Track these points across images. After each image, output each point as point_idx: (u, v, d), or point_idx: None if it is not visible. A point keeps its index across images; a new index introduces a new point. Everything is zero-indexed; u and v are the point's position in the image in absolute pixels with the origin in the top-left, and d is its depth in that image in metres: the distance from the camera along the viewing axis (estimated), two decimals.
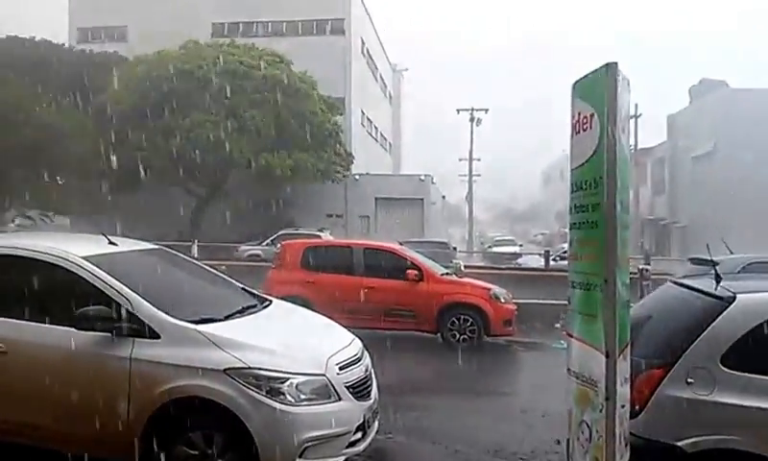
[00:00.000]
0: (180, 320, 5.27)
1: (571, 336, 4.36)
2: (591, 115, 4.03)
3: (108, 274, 5.41)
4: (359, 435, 5.48)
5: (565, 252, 26.60)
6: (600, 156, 3.97)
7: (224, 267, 10.79)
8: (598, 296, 3.99)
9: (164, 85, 32.08)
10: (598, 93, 3.98)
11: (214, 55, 34.67)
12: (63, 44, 43.51)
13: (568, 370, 4.35)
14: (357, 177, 41.50)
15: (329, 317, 6.67)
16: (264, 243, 31.14)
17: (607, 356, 3.91)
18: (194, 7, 42.44)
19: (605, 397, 3.91)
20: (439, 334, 12.69)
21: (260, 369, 5.05)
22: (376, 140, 57.68)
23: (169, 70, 33.04)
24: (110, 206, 31.70)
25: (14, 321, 5.43)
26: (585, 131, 4.10)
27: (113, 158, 31.68)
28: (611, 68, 3.92)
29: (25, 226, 43.03)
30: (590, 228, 4.12)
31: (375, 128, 56.81)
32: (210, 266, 7.40)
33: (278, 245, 16.37)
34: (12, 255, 5.70)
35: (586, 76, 4.15)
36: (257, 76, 33.95)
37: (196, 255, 22.73)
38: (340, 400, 5.34)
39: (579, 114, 4.17)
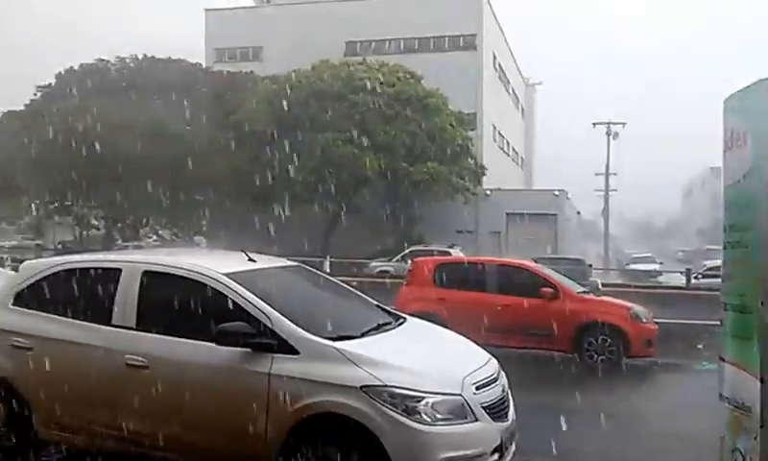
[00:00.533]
0: (318, 336, 5.29)
1: (724, 360, 4.12)
2: (744, 133, 3.82)
3: (248, 290, 5.52)
4: (496, 457, 5.31)
5: (709, 269, 25.10)
6: (753, 175, 3.74)
7: (354, 283, 10.87)
8: (753, 319, 3.75)
9: (298, 104, 33.18)
10: (752, 110, 3.77)
11: (346, 73, 35.47)
12: (200, 64, 45.95)
13: (720, 395, 4.10)
14: (488, 192, 41.10)
15: (462, 335, 6.56)
16: (394, 259, 31.39)
17: (762, 381, 3.67)
18: (327, 26, 43.64)
19: (759, 424, 3.67)
20: (575, 354, 12.25)
21: (396, 387, 5.00)
22: (508, 154, 57.02)
23: (302, 89, 34.14)
24: (245, 222, 32.96)
25: (156, 336, 5.62)
26: (737, 147, 3.90)
27: (247, 176, 33.07)
28: (764, 84, 3.68)
29: (162, 242, 45.70)
30: (744, 248, 3.89)
31: (507, 142, 56.20)
32: (343, 282, 7.45)
33: (410, 261, 16.42)
34: (156, 272, 5.91)
35: (739, 91, 3.93)
36: (389, 92, 34.45)
37: (328, 271, 23.20)
38: (476, 420, 5.21)
39: (731, 131, 3.97)
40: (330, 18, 44.12)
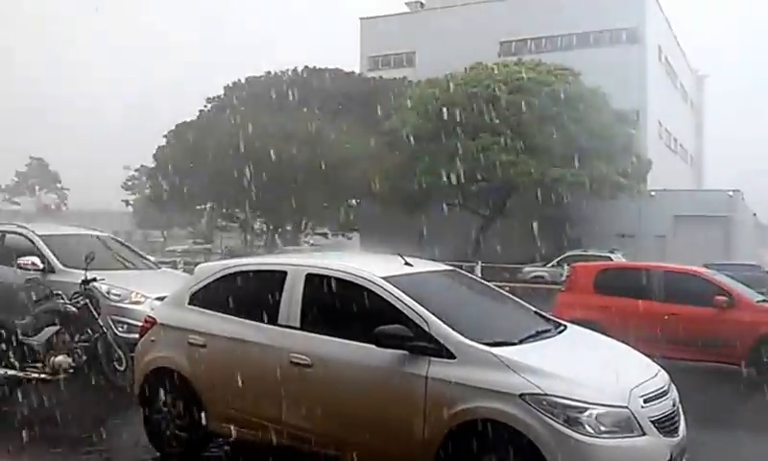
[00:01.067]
0: (475, 341, 5.24)
1: None
2: None
3: (405, 294, 5.57)
4: None
5: None
6: None
7: (507, 289, 10.71)
8: None
9: (451, 108, 33.14)
10: None
11: (501, 74, 35.04)
12: (354, 72, 47.16)
13: None
14: (653, 193, 39.03)
15: (626, 345, 6.26)
16: (549, 265, 30.63)
17: None
18: (481, 27, 43.43)
19: None
20: (752, 369, 11.34)
21: (558, 396, 4.85)
22: (675, 152, 54.09)
23: (456, 92, 34.08)
24: (397, 226, 33.40)
25: (318, 336, 5.78)
26: None
27: (400, 181, 33.50)
28: None
29: (318, 245, 47.36)
30: None
31: (674, 140, 53.32)
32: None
33: (567, 267, 15.94)
34: (318, 275, 6.08)
35: None
36: (545, 92, 33.65)
37: (479, 276, 23.05)
38: (644, 434, 4.96)
39: None
40: (484, 19, 43.90)
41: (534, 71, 35.25)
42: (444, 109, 33.08)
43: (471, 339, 5.26)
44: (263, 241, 48.19)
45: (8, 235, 11.69)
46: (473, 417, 5.00)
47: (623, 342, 6.35)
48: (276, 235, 46.30)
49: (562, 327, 6.24)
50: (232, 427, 6.24)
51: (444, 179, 32.16)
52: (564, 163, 32.73)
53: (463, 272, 7.12)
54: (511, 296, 6.87)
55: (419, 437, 5.19)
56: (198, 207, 50.30)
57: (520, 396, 4.87)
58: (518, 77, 34.57)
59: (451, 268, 7.12)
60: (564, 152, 32.56)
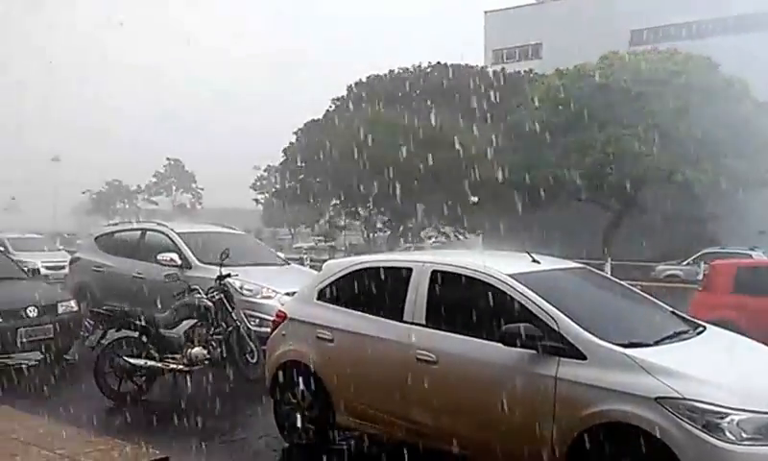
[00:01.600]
0: (608, 342, 5.07)
1: None
2: None
3: (533, 292, 5.46)
4: None
5: None
6: None
7: (638, 287, 10.26)
8: None
9: (580, 100, 32.16)
10: None
11: (634, 64, 33.64)
12: (478, 67, 46.67)
13: None
14: None
15: None
16: (684, 263, 29.19)
17: None
18: (610, 16, 41.86)
19: None
20: None
21: (696, 400, 4.61)
22: None
23: (585, 84, 33.04)
24: (521, 222, 32.76)
25: (444, 333, 5.77)
26: None
27: (525, 176, 32.83)
28: None
29: (440, 243, 47.28)
30: None
31: None
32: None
33: (704, 264, 15.09)
34: (444, 271, 6.06)
35: None
36: (680, 83, 32.02)
37: (609, 274, 22.26)
38: None
39: None
40: (614, 7, 42.23)
41: (668, 61, 33.59)
42: (573, 102, 32.13)
43: (604, 339, 5.09)
44: (385, 239, 48.75)
45: (148, 233, 12.42)
46: (606, 420, 4.85)
47: (766, 345, 5.97)
48: (398, 233, 46.69)
49: (700, 329, 5.96)
50: (358, 421, 6.34)
51: (571, 173, 31.27)
52: (699, 157, 31.03)
53: (594, 270, 6.88)
54: (646, 295, 6.60)
55: (546, 439, 5.08)
56: (322, 205, 51.52)
57: (656, 399, 4.68)
58: (650, 67, 33.06)
59: (581, 265, 6.96)
60: (699, 145, 30.84)
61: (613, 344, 5.06)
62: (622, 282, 7.02)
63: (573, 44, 39.04)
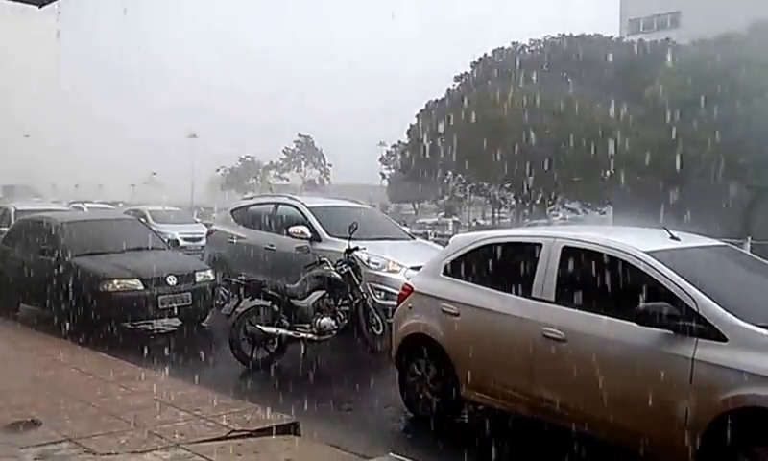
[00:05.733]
0: (750, 323, 4.80)
1: None
2: None
3: (671, 270, 5.23)
4: None
5: None
6: None
7: None
8: None
9: (722, 71, 30.19)
10: None
11: None
12: (613, 37, 44.78)
13: None
14: None
15: None
16: None
17: None
18: None
19: None
20: None
21: None
22: None
23: (728, 55, 30.97)
24: (654, 198, 31.31)
25: (574, 310, 5.63)
26: None
27: (660, 150, 31.29)
28: None
29: (567, 220, 46.00)
30: None
31: None
32: None
33: None
34: (575, 248, 5.91)
35: None
36: None
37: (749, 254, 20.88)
38: None
39: None
40: None
41: None
42: (714, 73, 30.18)
43: (746, 320, 4.83)
44: (509, 215, 48.07)
45: (280, 206, 12.83)
46: (746, 404, 4.62)
47: None
48: (524, 209, 45.88)
49: None
50: (482, 395, 6.33)
51: (709, 149, 29.52)
52: None
53: (737, 248, 6.51)
54: None
55: (680, 421, 4.89)
56: (446, 181, 51.41)
57: None
58: None
59: (724, 243, 6.64)
60: None
61: (756, 325, 4.79)
62: (765, 262, 6.58)
63: (715, 13, 36.73)
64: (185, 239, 23.87)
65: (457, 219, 56.43)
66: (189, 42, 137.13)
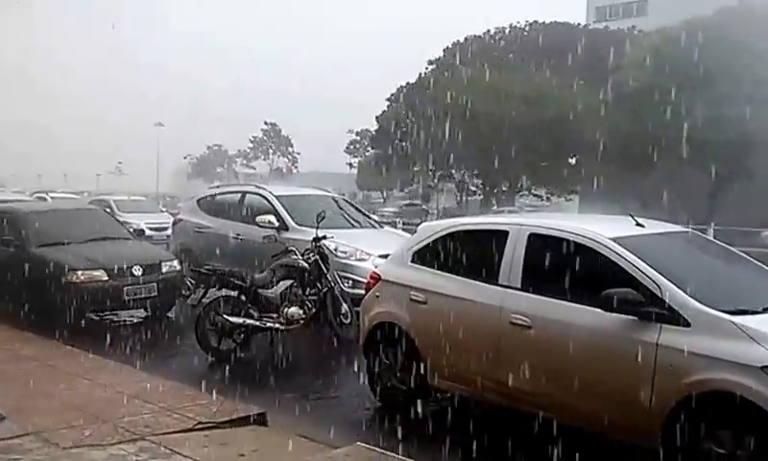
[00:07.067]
0: (713, 309, 4.87)
1: None
2: None
3: (636, 256, 5.28)
4: None
5: None
6: None
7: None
8: None
9: (687, 57, 30.41)
10: None
11: (752, 18, 31.40)
12: (580, 25, 45.13)
13: None
14: None
15: None
16: None
17: None
18: None
19: None
20: None
21: None
22: None
23: (693, 41, 31.24)
24: (618, 185, 31.65)
25: (540, 297, 5.67)
26: None
27: (624, 137, 31.59)
28: None
29: (534, 206, 46.41)
30: None
31: None
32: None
33: None
34: (541, 234, 5.96)
35: None
36: None
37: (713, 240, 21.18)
38: None
39: None
40: None
41: None
42: (679, 60, 30.40)
43: (709, 306, 4.90)
44: (478, 202, 48.28)
45: (247, 195, 12.72)
46: (708, 389, 4.69)
47: None
48: (492, 196, 46.14)
49: None
50: (449, 383, 6.36)
51: (673, 135, 29.86)
52: None
53: (700, 234, 6.59)
54: (754, 261, 6.27)
55: (644, 406, 4.95)
56: (416, 169, 51.48)
57: (762, 368, 4.50)
58: None
59: (686, 230, 6.71)
60: None
61: (719, 311, 4.86)
62: (729, 247, 6.69)
63: (681, 0, 37.04)
64: (151, 229, 23.61)
65: (425, 207, 56.45)
66: (157, 31, 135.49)
